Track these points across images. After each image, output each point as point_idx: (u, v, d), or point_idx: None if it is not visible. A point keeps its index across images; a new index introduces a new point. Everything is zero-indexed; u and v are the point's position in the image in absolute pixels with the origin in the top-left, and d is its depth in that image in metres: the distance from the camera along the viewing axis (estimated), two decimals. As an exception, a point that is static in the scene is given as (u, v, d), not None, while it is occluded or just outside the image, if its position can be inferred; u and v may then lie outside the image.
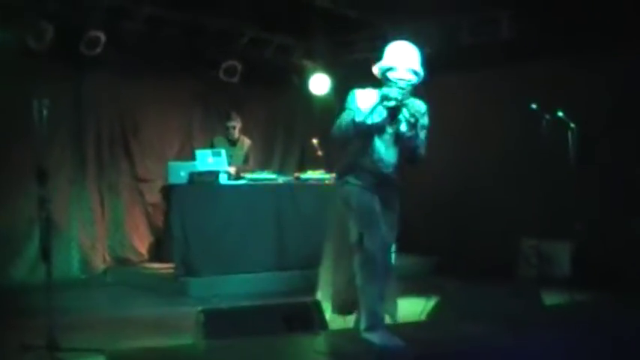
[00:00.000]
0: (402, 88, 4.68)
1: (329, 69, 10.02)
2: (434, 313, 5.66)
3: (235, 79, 9.28)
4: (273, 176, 8.75)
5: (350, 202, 4.75)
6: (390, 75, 4.73)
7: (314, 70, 10.10)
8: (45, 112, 5.15)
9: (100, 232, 8.92)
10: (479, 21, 8.13)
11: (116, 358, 3.95)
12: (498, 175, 8.92)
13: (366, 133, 4.69)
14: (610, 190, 7.92)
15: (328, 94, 10.00)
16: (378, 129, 4.71)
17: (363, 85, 4.84)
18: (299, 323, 4.92)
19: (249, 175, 8.50)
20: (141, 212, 9.36)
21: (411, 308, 6.78)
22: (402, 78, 4.70)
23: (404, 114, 4.67)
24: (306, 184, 8.66)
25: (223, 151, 8.48)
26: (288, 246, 8.30)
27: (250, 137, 9.28)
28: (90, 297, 7.85)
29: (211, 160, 8.36)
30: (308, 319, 4.99)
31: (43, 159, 5.26)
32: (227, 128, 8.97)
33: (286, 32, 9.43)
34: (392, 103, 4.64)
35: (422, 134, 4.78)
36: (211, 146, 8.77)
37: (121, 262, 9.03)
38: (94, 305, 7.42)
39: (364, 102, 4.73)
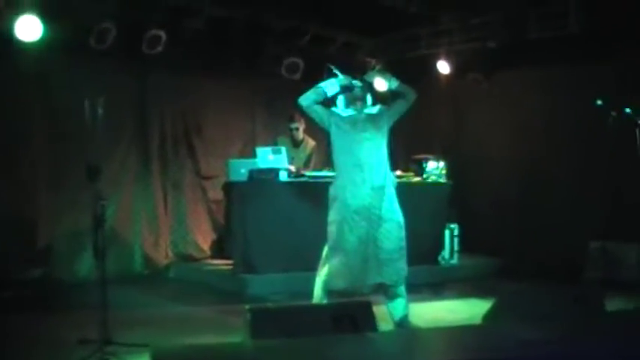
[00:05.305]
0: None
1: (392, 66, 9.88)
2: (490, 316, 5.49)
3: (297, 76, 9.19)
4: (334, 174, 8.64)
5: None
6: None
7: (377, 68, 9.96)
8: (100, 111, 5.20)
9: (162, 229, 9.05)
10: (545, 15, 7.88)
11: (160, 353, 3.95)
12: (564, 174, 8.66)
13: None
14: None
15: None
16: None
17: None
18: (347, 324, 4.86)
19: (309, 173, 8.44)
20: (203, 209, 9.45)
21: (470, 310, 6.67)
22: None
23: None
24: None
25: (284, 149, 8.42)
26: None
27: (313, 136, 9.19)
28: (151, 293, 7.96)
29: (272, 158, 8.31)
30: (357, 320, 4.92)
31: (105, 157, 5.33)
32: (290, 130, 8.87)
33: (349, 29, 9.33)
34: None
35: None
36: (275, 146, 8.72)
37: (183, 258, 9.13)
38: (154, 301, 7.53)
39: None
